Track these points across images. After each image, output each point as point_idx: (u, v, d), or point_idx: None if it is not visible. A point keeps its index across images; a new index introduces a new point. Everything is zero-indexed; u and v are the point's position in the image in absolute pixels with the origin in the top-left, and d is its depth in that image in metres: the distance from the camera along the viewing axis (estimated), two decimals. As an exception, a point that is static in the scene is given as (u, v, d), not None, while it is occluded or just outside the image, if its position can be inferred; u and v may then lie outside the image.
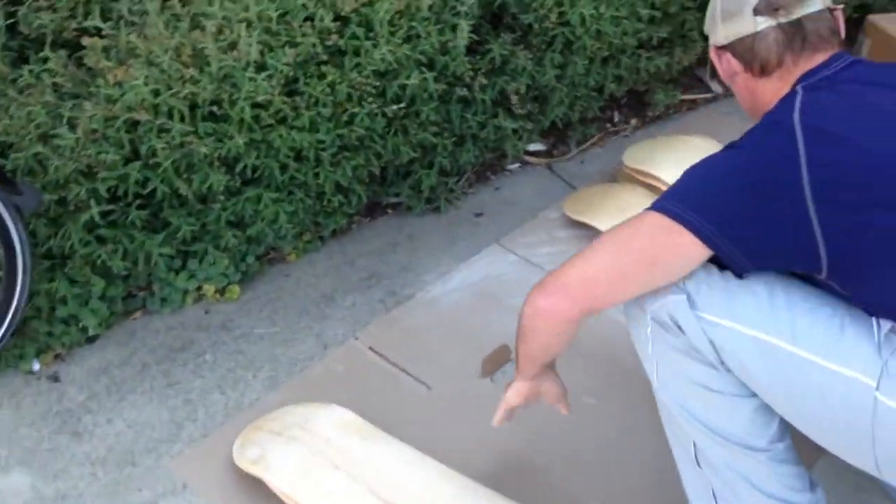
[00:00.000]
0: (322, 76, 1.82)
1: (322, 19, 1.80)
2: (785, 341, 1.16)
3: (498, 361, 1.84)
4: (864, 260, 1.12)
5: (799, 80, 1.27)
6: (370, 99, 1.87)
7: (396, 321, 1.97)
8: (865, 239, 1.10)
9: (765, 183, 1.14)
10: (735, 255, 1.16)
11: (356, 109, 1.87)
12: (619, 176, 2.35)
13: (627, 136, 2.55)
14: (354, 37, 1.83)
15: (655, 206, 1.20)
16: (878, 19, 2.75)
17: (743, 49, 1.30)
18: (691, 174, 1.22)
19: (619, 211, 2.14)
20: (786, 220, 1.12)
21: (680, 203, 1.17)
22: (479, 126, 2.16)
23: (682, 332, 1.23)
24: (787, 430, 1.28)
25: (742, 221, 1.15)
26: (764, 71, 1.29)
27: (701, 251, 1.16)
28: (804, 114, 1.17)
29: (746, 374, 1.21)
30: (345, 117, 1.88)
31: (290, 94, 1.83)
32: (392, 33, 1.85)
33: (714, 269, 1.22)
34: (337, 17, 1.82)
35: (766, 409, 1.25)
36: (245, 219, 1.96)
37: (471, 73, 2.02)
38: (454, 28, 1.95)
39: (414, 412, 1.74)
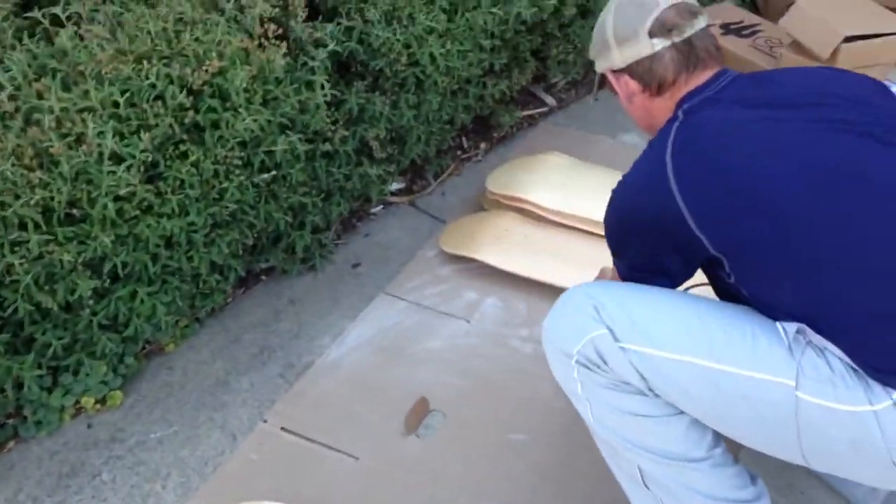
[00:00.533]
0: (184, 156, 1.71)
1: (174, 96, 1.69)
2: (706, 359, 1.23)
3: (420, 414, 1.80)
4: (753, 263, 1.20)
5: (683, 100, 1.33)
6: (237, 171, 1.78)
7: (302, 394, 1.88)
8: (747, 247, 1.20)
9: (653, 223, 1.26)
10: (655, 283, 1.31)
11: (225, 184, 1.77)
12: (484, 202, 2.37)
13: (480, 161, 2.57)
14: (211, 110, 1.73)
15: None
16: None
17: (641, 71, 1.35)
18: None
19: (496, 239, 2.18)
20: (682, 243, 1.23)
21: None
22: (345, 178, 2.11)
23: (607, 368, 1.29)
24: (720, 435, 1.34)
25: (645, 259, 1.32)
26: (661, 90, 1.34)
27: None
28: (675, 144, 1.25)
29: (674, 396, 1.27)
30: (214, 194, 1.77)
31: (153, 180, 1.70)
32: (249, 100, 1.76)
33: (630, 300, 1.29)
34: (189, 92, 1.71)
35: (699, 422, 1.31)
36: (119, 319, 1.80)
37: (331, 128, 1.97)
38: (310, 85, 1.88)
39: (346, 488, 1.68)
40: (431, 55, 2.04)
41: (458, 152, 2.57)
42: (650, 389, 1.28)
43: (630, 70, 1.37)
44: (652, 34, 1.33)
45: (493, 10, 2.16)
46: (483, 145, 2.60)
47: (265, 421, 1.82)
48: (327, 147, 2.01)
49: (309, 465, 1.73)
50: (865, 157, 1.20)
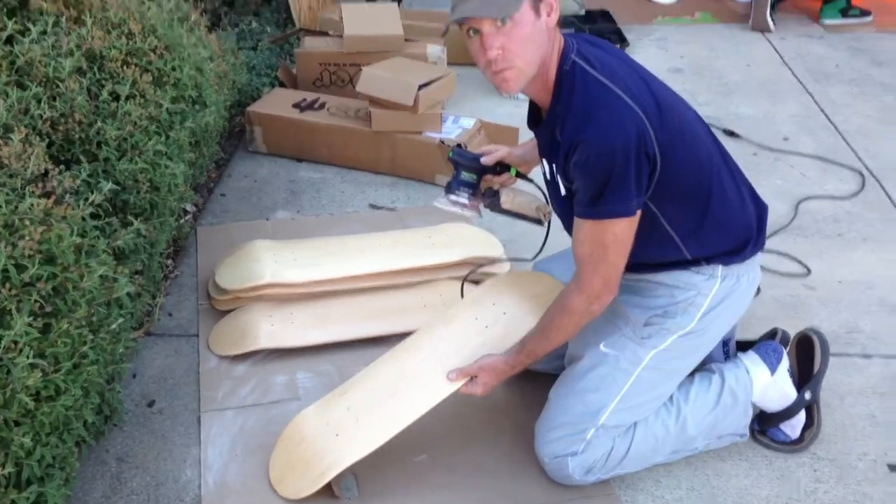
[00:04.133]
0: None
1: None
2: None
3: (336, 483, 1.93)
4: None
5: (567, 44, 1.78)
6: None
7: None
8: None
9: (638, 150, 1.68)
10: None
11: None
12: (219, 305, 2.47)
13: (178, 276, 2.64)
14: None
15: (605, 213, 1.72)
16: (258, 107, 3.33)
17: None
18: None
19: (269, 325, 2.35)
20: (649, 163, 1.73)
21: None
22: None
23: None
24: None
25: (632, 188, 1.71)
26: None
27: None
28: (626, 92, 1.71)
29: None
30: None
31: None
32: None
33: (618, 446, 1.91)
34: None
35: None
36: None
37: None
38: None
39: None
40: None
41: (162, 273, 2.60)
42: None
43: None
44: None
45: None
46: (170, 262, 2.66)
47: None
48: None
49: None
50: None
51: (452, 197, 2.04)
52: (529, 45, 1.69)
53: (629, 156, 1.66)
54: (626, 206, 1.70)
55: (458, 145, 2.10)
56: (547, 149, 1.85)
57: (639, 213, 1.73)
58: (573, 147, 1.69)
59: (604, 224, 1.72)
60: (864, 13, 4.67)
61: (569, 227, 1.89)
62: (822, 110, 3.80)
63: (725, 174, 1.89)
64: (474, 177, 2.04)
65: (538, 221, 2.11)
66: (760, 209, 1.97)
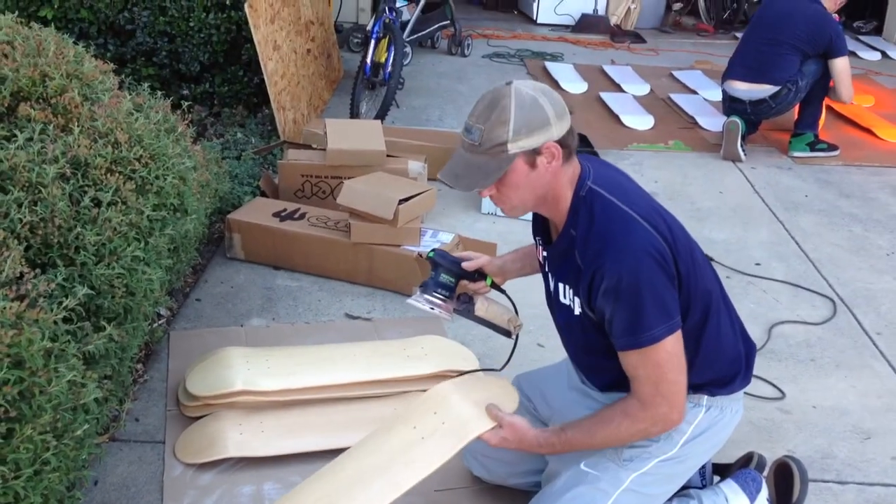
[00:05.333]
0: None
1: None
2: None
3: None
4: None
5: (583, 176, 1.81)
6: None
7: None
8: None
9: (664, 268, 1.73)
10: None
11: None
12: (187, 412, 2.43)
13: (147, 380, 2.60)
14: None
15: (649, 340, 1.72)
16: (238, 215, 3.36)
17: (568, 139, 1.74)
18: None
19: (238, 434, 2.31)
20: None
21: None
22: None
23: None
24: None
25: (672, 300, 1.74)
26: (570, 156, 1.77)
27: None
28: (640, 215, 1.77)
29: None
30: None
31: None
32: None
33: None
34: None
35: None
36: None
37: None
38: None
39: None
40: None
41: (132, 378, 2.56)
42: None
43: (562, 139, 1.73)
44: (570, 112, 1.77)
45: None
46: (140, 367, 2.63)
47: None
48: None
49: None
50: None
51: (427, 296, 2.04)
52: (524, 191, 1.76)
53: (655, 272, 1.69)
54: (669, 325, 1.71)
55: (438, 249, 2.12)
56: (559, 269, 1.86)
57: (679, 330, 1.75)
58: (598, 273, 1.71)
59: (649, 350, 1.72)
60: (832, 147, 4.85)
61: (570, 344, 1.95)
62: (792, 238, 3.89)
63: (723, 310, 1.91)
64: (452, 280, 2.06)
65: (507, 333, 2.12)
66: (749, 347, 1.99)
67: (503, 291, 2.13)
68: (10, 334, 1.64)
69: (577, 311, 1.82)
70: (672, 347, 1.73)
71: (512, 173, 1.72)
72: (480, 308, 2.09)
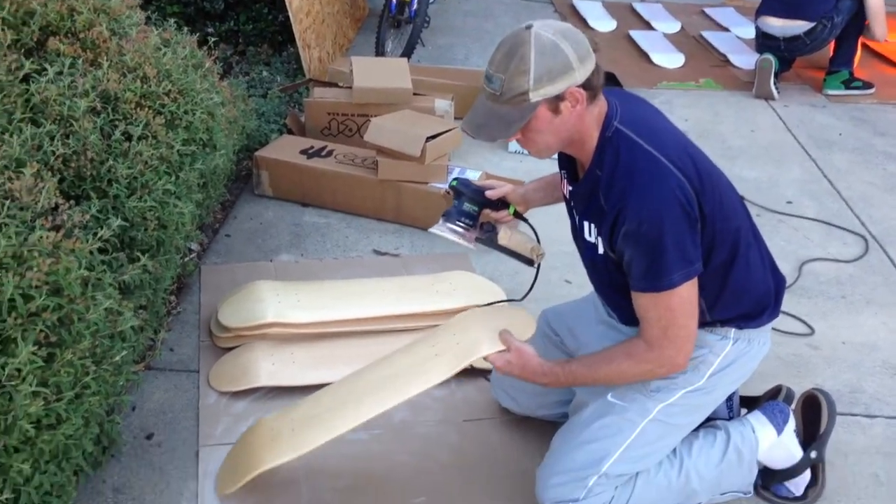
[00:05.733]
0: None
1: None
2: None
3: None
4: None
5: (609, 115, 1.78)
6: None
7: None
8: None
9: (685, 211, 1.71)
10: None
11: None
12: (219, 342, 2.48)
13: (180, 312, 2.64)
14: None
15: (665, 285, 1.71)
16: (266, 152, 3.37)
17: (593, 81, 1.69)
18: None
19: (269, 364, 2.35)
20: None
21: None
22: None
23: None
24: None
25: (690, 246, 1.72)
26: (596, 96, 1.73)
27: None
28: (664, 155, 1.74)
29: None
30: None
31: None
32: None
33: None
34: None
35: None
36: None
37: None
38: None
39: None
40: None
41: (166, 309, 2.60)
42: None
43: (586, 82, 1.67)
44: (596, 50, 1.73)
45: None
46: (173, 299, 2.67)
47: None
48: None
49: None
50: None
51: (450, 225, 2.03)
52: (549, 136, 1.74)
53: (678, 218, 1.68)
54: (687, 271, 1.71)
55: (462, 178, 2.11)
56: (585, 207, 1.85)
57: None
58: (620, 214, 1.70)
59: (664, 295, 1.72)
60: (867, 85, 4.74)
61: (596, 279, 1.95)
62: (825, 176, 3.83)
63: (753, 245, 1.90)
64: (475, 209, 2.04)
65: (530, 262, 2.11)
66: (779, 281, 1.98)
67: (526, 220, 2.12)
68: (47, 262, 1.67)
69: (601, 250, 1.82)
70: (686, 293, 1.73)
71: (535, 120, 1.69)
72: (503, 237, 2.08)
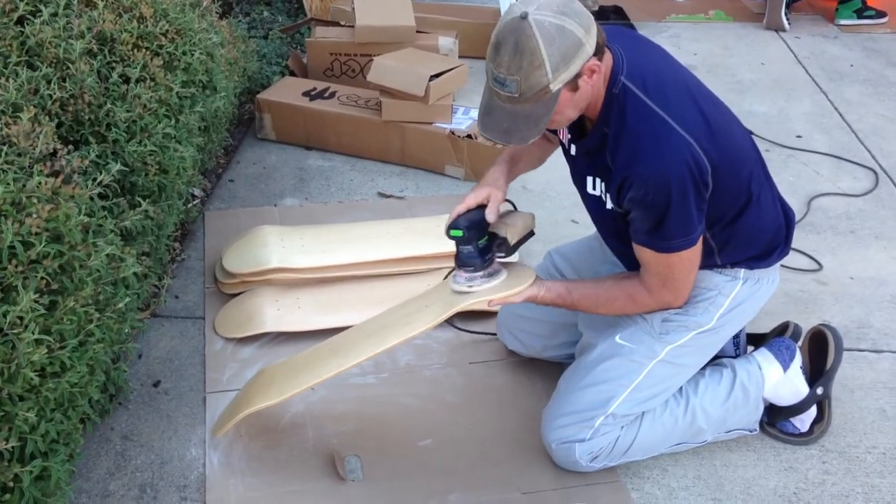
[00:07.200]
0: None
1: None
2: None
3: (339, 463, 1.94)
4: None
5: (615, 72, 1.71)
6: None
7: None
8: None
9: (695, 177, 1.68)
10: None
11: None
12: (224, 288, 2.47)
13: (185, 259, 2.63)
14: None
15: (665, 248, 1.73)
16: (268, 95, 3.32)
17: (600, 43, 1.64)
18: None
19: (275, 309, 2.35)
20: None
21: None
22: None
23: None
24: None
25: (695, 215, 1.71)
26: (602, 54, 1.66)
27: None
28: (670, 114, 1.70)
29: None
30: None
31: None
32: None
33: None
34: None
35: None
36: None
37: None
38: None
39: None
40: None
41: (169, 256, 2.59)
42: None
43: (595, 48, 1.62)
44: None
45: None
46: (177, 245, 2.66)
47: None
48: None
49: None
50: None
51: (473, 273, 1.85)
52: (570, 111, 1.70)
53: (686, 189, 1.66)
54: (688, 239, 1.72)
55: (456, 221, 1.87)
56: (590, 162, 1.81)
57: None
58: (627, 181, 1.68)
59: (664, 255, 1.74)
60: (880, 14, 4.63)
61: (601, 227, 1.96)
62: (836, 109, 3.77)
63: (765, 187, 1.87)
64: (485, 238, 1.86)
65: (532, 233, 1.99)
66: (789, 218, 1.96)
67: (514, 206, 2.00)
68: (47, 209, 1.65)
69: (609, 205, 1.80)
70: (687, 255, 1.75)
71: (558, 105, 1.64)
72: (513, 236, 1.89)
